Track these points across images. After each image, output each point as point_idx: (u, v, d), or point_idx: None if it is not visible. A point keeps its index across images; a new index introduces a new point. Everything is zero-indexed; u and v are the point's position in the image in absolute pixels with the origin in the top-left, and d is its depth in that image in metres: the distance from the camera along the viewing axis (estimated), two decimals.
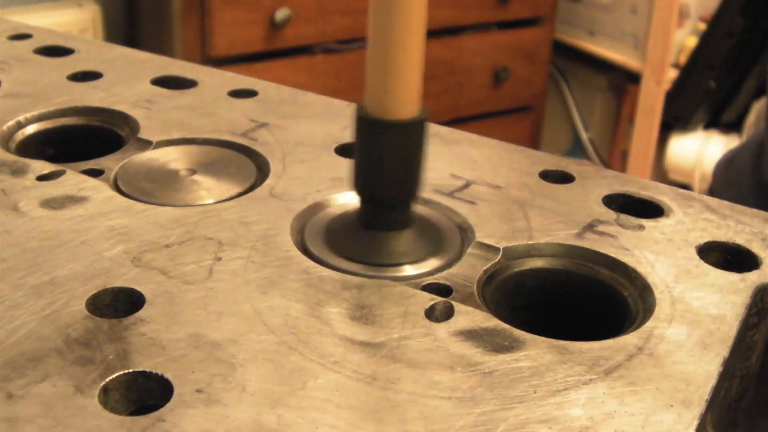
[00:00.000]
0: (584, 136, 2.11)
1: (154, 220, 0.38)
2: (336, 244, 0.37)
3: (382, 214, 0.37)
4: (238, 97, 0.53)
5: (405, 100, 0.35)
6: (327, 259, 0.37)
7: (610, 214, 0.41)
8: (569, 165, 0.46)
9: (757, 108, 1.70)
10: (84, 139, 0.50)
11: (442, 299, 0.34)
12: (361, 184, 0.37)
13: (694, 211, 0.42)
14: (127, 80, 0.55)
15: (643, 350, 0.31)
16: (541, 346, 0.31)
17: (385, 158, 0.36)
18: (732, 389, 0.36)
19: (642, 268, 0.37)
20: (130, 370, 0.29)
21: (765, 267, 0.37)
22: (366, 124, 0.36)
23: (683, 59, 1.79)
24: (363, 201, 0.38)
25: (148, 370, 0.29)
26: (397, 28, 0.34)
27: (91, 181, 0.42)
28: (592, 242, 0.39)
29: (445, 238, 0.39)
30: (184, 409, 0.27)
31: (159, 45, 1.61)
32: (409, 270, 0.36)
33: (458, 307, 0.33)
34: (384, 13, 0.34)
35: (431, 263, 0.37)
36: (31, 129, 0.49)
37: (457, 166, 0.45)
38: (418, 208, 0.40)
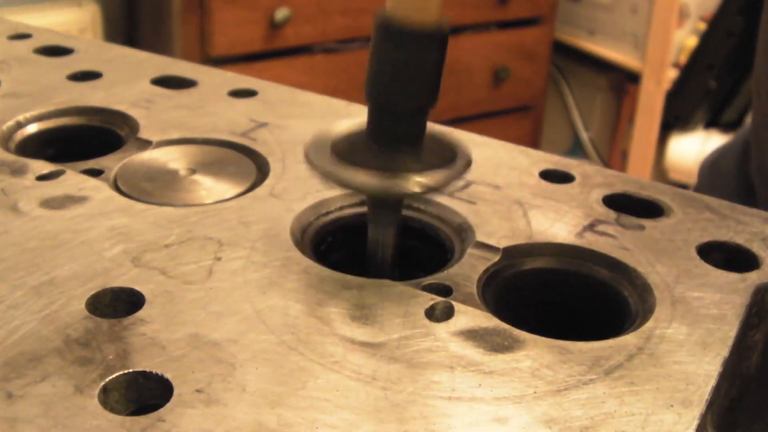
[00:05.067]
0: (584, 136, 2.11)
1: (154, 220, 0.38)
2: (344, 156, 0.36)
3: (395, 124, 0.36)
4: (238, 97, 0.53)
5: (430, 7, 0.34)
6: (336, 171, 0.35)
7: (610, 214, 0.41)
8: (569, 165, 0.46)
9: None
10: (84, 139, 0.50)
11: (442, 299, 0.34)
12: (376, 92, 0.35)
13: (694, 211, 0.42)
14: (126, 80, 0.55)
15: (643, 350, 0.31)
16: (541, 346, 0.31)
17: (406, 66, 0.34)
18: (732, 389, 0.36)
19: (642, 268, 0.37)
20: (130, 370, 0.29)
21: (765, 267, 0.37)
22: (387, 31, 0.34)
23: (683, 59, 1.79)
24: (375, 109, 0.36)
25: (147, 370, 0.29)
26: None
27: (91, 181, 0.42)
28: (592, 242, 0.39)
29: (455, 155, 0.37)
30: (184, 409, 0.27)
31: (159, 45, 1.61)
32: (419, 179, 0.35)
33: (458, 307, 0.33)
34: None
35: (441, 174, 0.35)
36: (30, 129, 0.49)
37: None
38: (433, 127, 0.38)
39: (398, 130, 0.35)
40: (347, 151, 0.36)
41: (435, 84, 0.35)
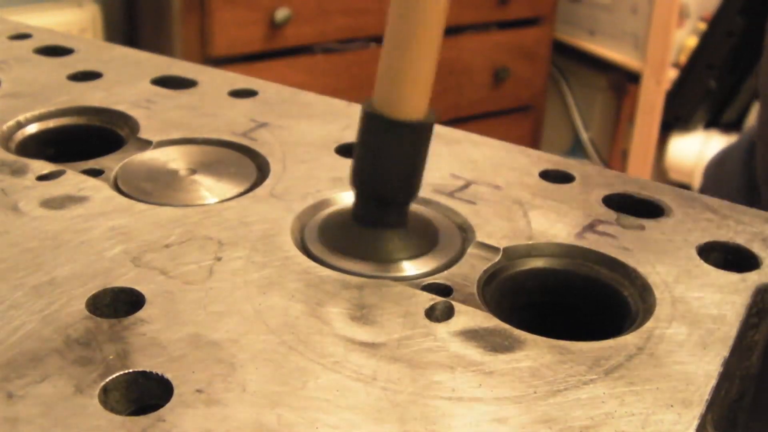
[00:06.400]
0: (584, 136, 2.11)
1: (154, 220, 0.38)
2: (331, 241, 0.37)
3: (379, 211, 0.37)
4: (238, 97, 0.53)
5: (417, 101, 0.35)
6: (323, 257, 0.36)
7: (610, 214, 0.41)
8: (569, 165, 0.46)
9: (756, 108, 1.70)
10: (84, 139, 0.50)
11: (442, 299, 0.34)
12: (360, 180, 0.37)
13: (694, 211, 0.42)
14: (127, 80, 0.55)
15: (643, 350, 0.31)
16: (541, 346, 0.31)
17: (389, 157, 0.36)
18: (732, 389, 0.36)
19: (642, 268, 0.37)
20: (130, 370, 0.29)
21: (765, 267, 0.37)
22: (373, 121, 0.35)
23: (683, 59, 1.79)
24: (360, 197, 0.38)
25: (148, 370, 0.29)
26: (416, 28, 0.34)
27: (91, 181, 0.42)
28: (592, 242, 0.39)
29: (441, 235, 0.39)
30: (184, 409, 0.27)
31: (159, 45, 1.61)
32: (406, 267, 0.36)
33: (458, 307, 0.33)
34: (405, 12, 0.34)
35: (428, 261, 0.37)
36: (31, 129, 0.49)
37: (457, 166, 0.45)
38: (417, 207, 0.40)
39: (384, 216, 0.37)
40: (335, 234, 0.38)
41: (416, 176, 0.37)
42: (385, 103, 0.35)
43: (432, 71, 0.35)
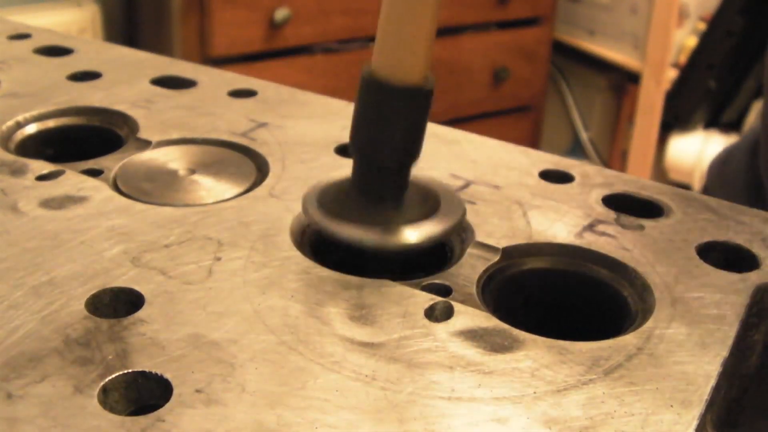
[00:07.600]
0: (584, 136, 2.11)
1: (154, 220, 0.38)
2: (330, 209, 0.37)
3: (378, 178, 0.37)
4: (238, 97, 0.53)
5: (413, 65, 0.35)
6: (324, 224, 0.36)
7: (610, 214, 0.41)
8: (569, 165, 0.46)
9: (756, 108, 1.70)
10: (83, 139, 0.50)
11: (442, 299, 0.34)
12: (358, 145, 0.36)
13: (694, 211, 0.42)
14: (126, 80, 0.55)
15: (643, 350, 0.31)
16: (541, 346, 0.31)
17: (386, 122, 0.35)
18: (732, 389, 0.36)
19: (642, 268, 0.37)
20: (130, 370, 0.29)
21: (765, 267, 0.37)
22: (371, 86, 0.35)
23: (683, 59, 1.79)
24: (359, 164, 0.37)
25: (147, 370, 0.29)
26: None
27: (91, 181, 0.42)
28: (592, 242, 0.39)
29: (441, 203, 0.38)
30: (184, 409, 0.27)
31: (158, 45, 1.61)
32: (406, 233, 0.36)
33: (458, 307, 0.33)
34: None
35: (427, 226, 0.36)
36: (30, 129, 0.49)
37: (457, 166, 0.45)
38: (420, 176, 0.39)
39: (384, 182, 0.36)
40: (336, 203, 0.37)
41: (416, 142, 0.36)
42: (382, 68, 0.35)
43: (429, 35, 0.34)
